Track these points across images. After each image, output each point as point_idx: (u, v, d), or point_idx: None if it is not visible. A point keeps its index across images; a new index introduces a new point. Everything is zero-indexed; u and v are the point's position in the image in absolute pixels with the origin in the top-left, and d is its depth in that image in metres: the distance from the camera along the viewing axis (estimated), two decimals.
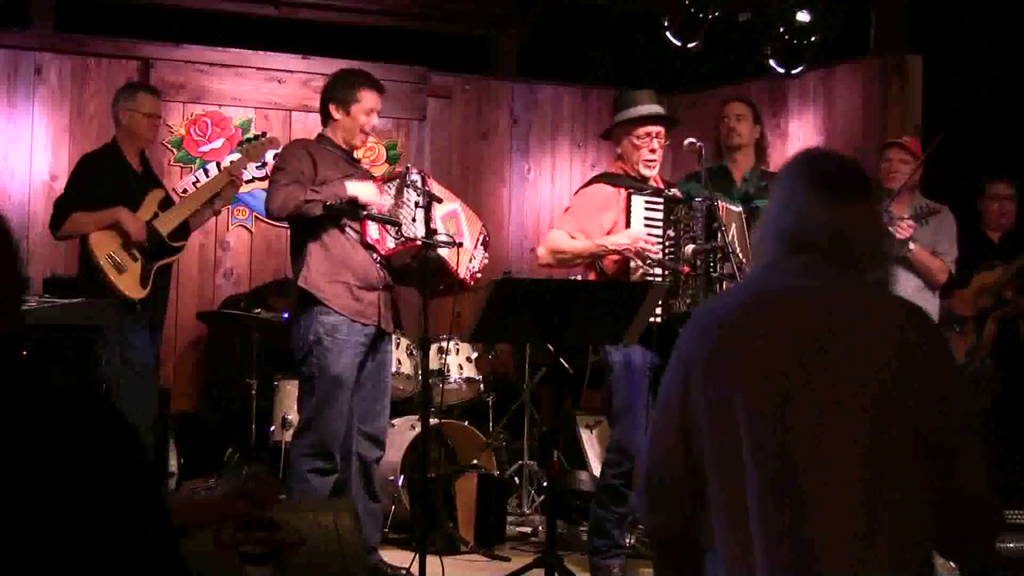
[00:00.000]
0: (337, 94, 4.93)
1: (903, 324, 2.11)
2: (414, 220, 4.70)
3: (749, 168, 5.54)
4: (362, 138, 4.98)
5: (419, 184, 4.74)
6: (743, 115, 5.61)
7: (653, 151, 4.96)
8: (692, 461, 2.17)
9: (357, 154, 5.20)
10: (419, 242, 4.62)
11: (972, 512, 2.09)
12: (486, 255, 5.17)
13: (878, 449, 2.03)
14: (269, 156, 6.55)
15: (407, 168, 4.90)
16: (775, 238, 2.20)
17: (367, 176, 5.02)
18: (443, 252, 4.80)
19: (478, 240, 5.11)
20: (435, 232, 4.65)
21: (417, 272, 4.74)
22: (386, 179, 4.97)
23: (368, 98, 4.92)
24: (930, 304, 5.74)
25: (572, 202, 5.20)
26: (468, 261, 5.02)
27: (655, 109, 4.98)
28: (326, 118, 4.95)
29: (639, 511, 2.28)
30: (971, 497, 2.08)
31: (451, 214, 5.01)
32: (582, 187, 5.22)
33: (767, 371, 2.08)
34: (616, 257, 4.85)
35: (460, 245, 4.87)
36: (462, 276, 4.97)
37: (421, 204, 4.65)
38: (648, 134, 4.95)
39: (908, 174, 5.67)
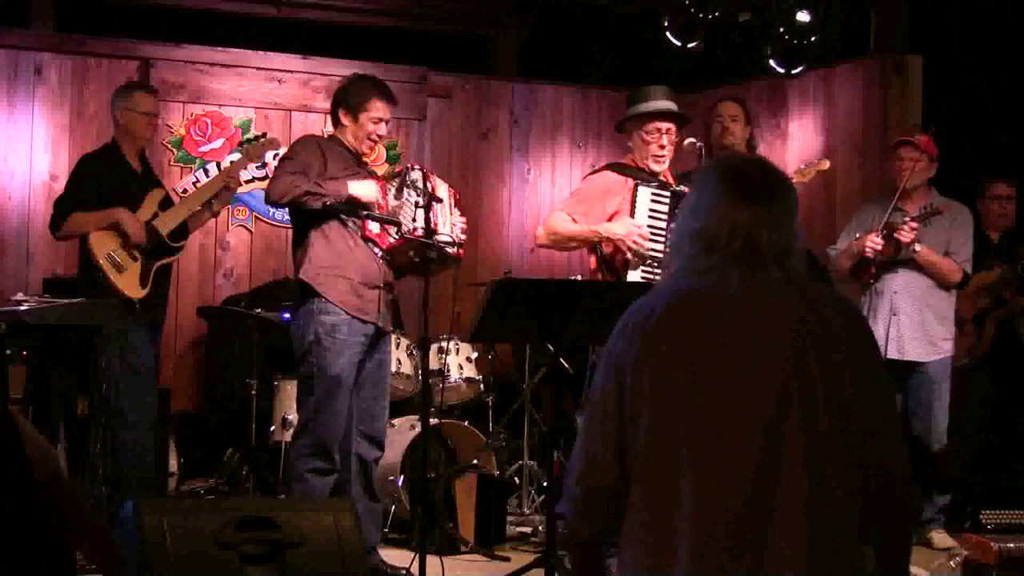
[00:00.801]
0: (349, 99, 4.91)
1: (824, 315, 2.17)
2: (414, 220, 4.71)
3: None
4: (369, 145, 4.99)
5: (420, 183, 4.74)
6: (737, 116, 5.63)
7: (662, 147, 4.98)
8: (625, 466, 2.19)
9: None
10: (419, 234, 4.61)
11: (889, 495, 2.16)
12: (464, 218, 5.08)
13: (812, 442, 2.08)
14: (269, 156, 6.56)
15: (408, 166, 4.90)
16: (689, 241, 2.24)
17: (372, 176, 5.02)
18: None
19: (452, 203, 4.98)
20: (435, 232, 4.65)
21: (419, 266, 4.72)
22: (388, 177, 4.97)
23: (378, 107, 4.89)
24: (945, 304, 5.65)
25: (579, 187, 5.23)
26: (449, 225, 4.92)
27: (666, 105, 5.00)
28: (336, 122, 4.95)
29: (565, 515, 2.30)
30: (889, 478, 2.15)
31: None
32: (590, 173, 5.24)
33: (694, 369, 2.13)
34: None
35: (461, 245, 4.87)
36: (444, 240, 4.82)
37: (421, 204, 4.65)
38: (658, 129, 4.97)
39: (920, 172, 5.61)
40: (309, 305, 4.75)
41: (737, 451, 2.08)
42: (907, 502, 2.19)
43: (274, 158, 5.08)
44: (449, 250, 4.76)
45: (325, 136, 5.01)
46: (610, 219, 4.93)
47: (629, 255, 4.81)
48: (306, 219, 4.80)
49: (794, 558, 2.05)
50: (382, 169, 7.00)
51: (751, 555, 2.05)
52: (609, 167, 5.16)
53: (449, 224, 4.91)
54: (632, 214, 4.86)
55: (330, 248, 4.76)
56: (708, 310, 2.16)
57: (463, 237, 4.99)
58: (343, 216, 4.77)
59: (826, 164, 5.56)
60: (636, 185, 4.90)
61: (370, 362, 4.88)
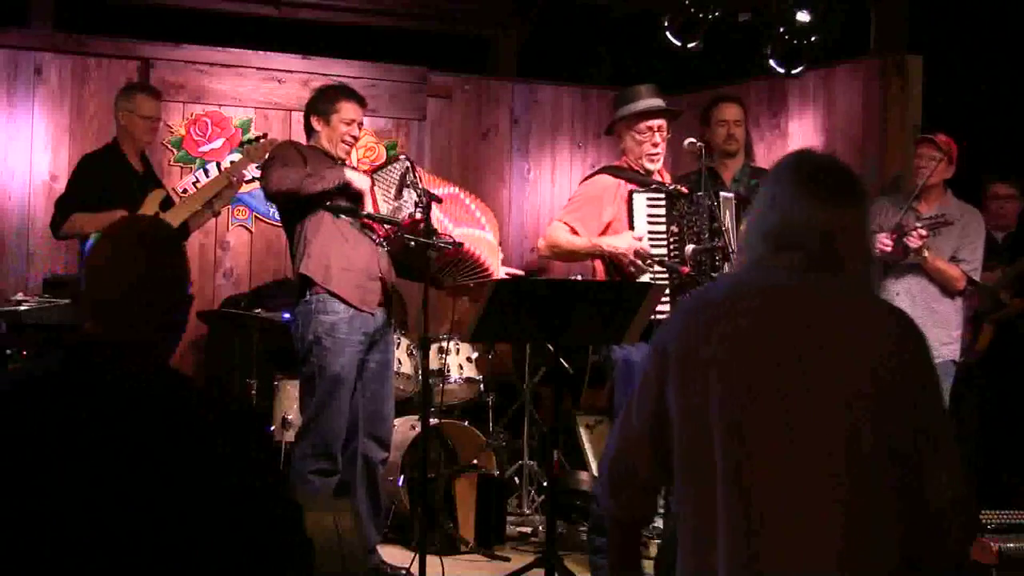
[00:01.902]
0: (318, 106, 5.02)
1: (884, 329, 2.10)
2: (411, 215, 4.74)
3: (739, 167, 5.54)
4: (344, 149, 5.02)
5: (418, 184, 4.76)
6: (740, 121, 5.59)
7: (656, 144, 4.95)
8: (661, 451, 2.17)
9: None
10: (418, 216, 4.64)
11: (936, 526, 2.08)
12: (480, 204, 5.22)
13: (853, 455, 2.03)
14: None
15: (398, 156, 4.95)
16: (761, 237, 2.20)
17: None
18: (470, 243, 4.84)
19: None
20: (435, 233, 4.65)
21: (417, 258, 4.72)
22: (376, 168, 5.00)
23: (347, 108, 4.98)
24: (948, 309, 5.61)
25: (575, 193, 5.21)
26: (498, 259, 5.06)
27: (656, 103, 4.98)
28: (309, 131, 5.01)
29: (598, 493, 2.30)
30: (936, 511, 2.07)
31: (450, 197, 5.02)
32: (586, 178, 5.22)
33: (741, 365, 2.09)
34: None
35: (461, 246, 4.87)
36: (496, 276, 4.93)
37: (421, 205, 4.65)
38: (650, 128, 4.94)
39: (939, 172, 5.57)
40: (307, 305, 4.76)
41: (779, 454, 2.05)
42: (948, 543, 2.09)
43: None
44: (444, 244, 4.77)
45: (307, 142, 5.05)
46: (607, 227, 4.91)
47: (632, 268, 4.78)
48: (300, 217, 4.82)
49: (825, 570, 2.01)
50: None
51: (781, 563, 2.03)
52: (604, 170, 5.13)
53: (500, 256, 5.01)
54: (631, 223, 4.84)
55: (328, 242, 4.78)
56: (769, 306, 2.12)
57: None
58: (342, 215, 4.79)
59: None
60: (630, 193, 4.88)
61: (375, 362, 4.89)
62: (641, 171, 4.97)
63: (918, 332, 2.15)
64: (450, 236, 4.79)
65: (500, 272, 5.01)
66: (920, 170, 5.55)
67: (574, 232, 4.90)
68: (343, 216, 4.78)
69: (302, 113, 7.27)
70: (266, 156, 5.19)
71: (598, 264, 4.98)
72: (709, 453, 2.09)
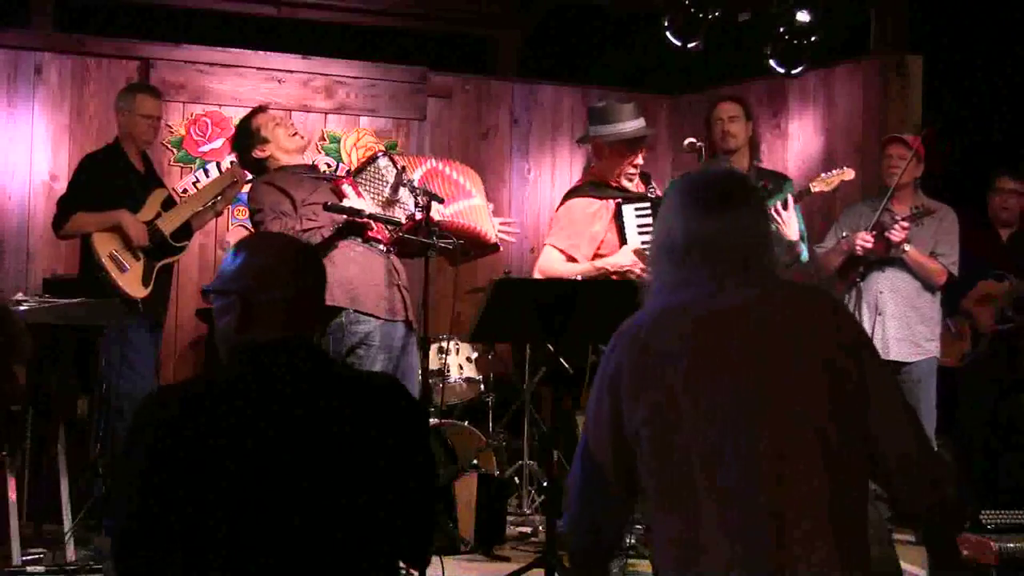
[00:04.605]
0: (247, 138, 4.99)
1: (818, 313, 2.17)
2: (414, 212, 4.74)
3: (745, 169, 5.54)
4: (297, 140, 5.01)
5: (415, 184, 4.75)
6: (736, 116, 5.60)
7: (636, 166, 5.05)
8: (627, 477, 2.20)
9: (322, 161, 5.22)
10: (419, 217, 4.64)
11: (906, 470, 2.13)
12: (491, 205, 5.25)
13: (826, 450, 2.07)
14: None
15: (376, 155, 4.94)
16: (662, 255, 2.27)
17: (334, 179, 4.99)
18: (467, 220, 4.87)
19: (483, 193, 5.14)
20: (436, 231, 4.64)
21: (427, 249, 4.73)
22: (356, 170, 4.96)
23: (263, 119, 4.98)
24: (930, 305, 5.69)
25: (558, 216, 5.22)
26: (490, 218, 5.06)
27: (642, 127, 5.05)
28: (260, 165, 4.98)
29: (567, 527, 2.32)
30: (898, 466, 2.13)
31: (430, 173, 5.01)
32: (564, 200, 5.24)
33: (696, 379, 2.12)
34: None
35: (461, 243, 4.87)
36: (493, 240, 5.01)
37: (421, 204, 4.65)
38: (633, 151, 5.03)
39: (908, 171, 5.62)
40: (338, 319, 4.74)
41: (757, 462, 2.07)
42: (933, 477, 2.14)
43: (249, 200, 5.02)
44: (444, 243, 4.77)
45: (272, 171, 5.00)
46: (600, 243, 4.94)
47: (643, 275, 4.80)
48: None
49: (827, 562, 2.05)
50: None
51: (781, 564, 2.05)
52: (581, 192, 5.17)
53: (489, 214, 5.02)
54: (623, 235, 4.88)
55: (344, 266, 4.74)
56: (697, 323, 2.16)
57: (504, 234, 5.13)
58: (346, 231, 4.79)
59: (850, 174, 5.52)
60: (618, 205, 4.92)
61: (404, 366, 4.90)
62: (619, 187, 5.02)
63: (835, 301, 2.28)
64: (451, 239, 4.79)
65: (493, 228, 5.05)
66: (891, 170, 5.61)
67: (571, 259, 4.93)
68: (349, 236, 4.78)
69: (303, 113, 7.35)
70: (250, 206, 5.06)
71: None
72: (684, 473, 2.10)
